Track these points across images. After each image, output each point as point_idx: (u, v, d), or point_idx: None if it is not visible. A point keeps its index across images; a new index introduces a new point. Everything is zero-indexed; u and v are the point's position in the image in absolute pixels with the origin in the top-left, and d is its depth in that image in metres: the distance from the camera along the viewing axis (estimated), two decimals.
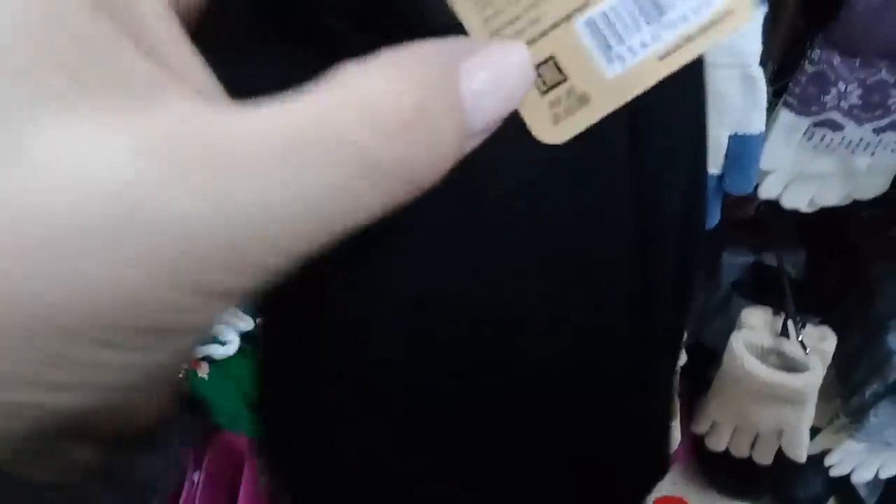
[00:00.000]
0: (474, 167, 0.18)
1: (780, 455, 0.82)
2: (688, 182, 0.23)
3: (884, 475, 0.83)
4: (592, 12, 0.18)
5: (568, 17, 0.18)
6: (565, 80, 0.18)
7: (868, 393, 0.76)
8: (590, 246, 0.22)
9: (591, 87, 0.18)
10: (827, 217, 0.71)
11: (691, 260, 0.25)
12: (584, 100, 0.18)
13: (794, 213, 0.67)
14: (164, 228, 0.12)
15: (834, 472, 0.83)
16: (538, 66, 0.18)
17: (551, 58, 0.18)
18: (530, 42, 0.18)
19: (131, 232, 0.12)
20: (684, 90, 0.21)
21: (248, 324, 0.67)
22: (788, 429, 0.77)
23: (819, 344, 0.74)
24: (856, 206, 0.69)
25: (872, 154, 0.61)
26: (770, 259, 0.84)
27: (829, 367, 0.80)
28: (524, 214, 0.21)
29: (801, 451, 0.79)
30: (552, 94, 0.18)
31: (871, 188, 0.64)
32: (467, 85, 0.16)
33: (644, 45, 0.18)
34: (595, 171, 0.21)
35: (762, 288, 0.83)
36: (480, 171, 0.19)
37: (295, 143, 0.13)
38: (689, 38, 0.18)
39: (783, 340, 0.75)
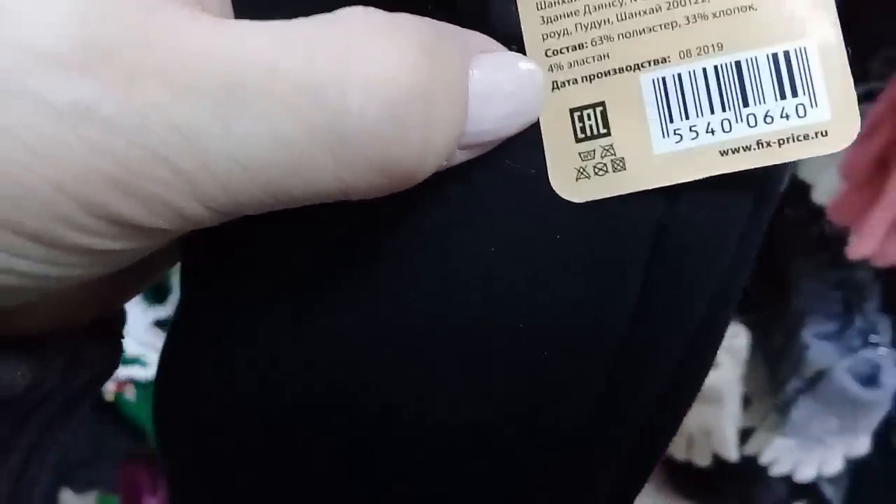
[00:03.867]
0: (458, 209, 0.16)
1: (743, 460, 0.83)
2: (700, 325, 0.18)
3: (826, 472, 0.82)
4: (666, 70, 0.15)
5: (637, 66, 0.15)
6: (608, 134, 0.15)
7: (790, 389, 0.76)
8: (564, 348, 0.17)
9: (633, 154, 0.15)
10: None
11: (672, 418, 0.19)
12: (619, 165, 0.15)
13: None
14: (49, 105, 0.11)
15: (773, 472, 0.83)
16: (583, 108, 0.16)
17: (601, 104, 0.16)
18: (586, 78, 0.16)
19: (7, 94, 0.11)
20: (742, 203, 0.16)
21: None
22: (713, 428, 0.78)
23: (731, 341, 0.75)
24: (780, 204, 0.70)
25: None
26: None
27: (762, 365, 0.81)
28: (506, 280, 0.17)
29: (729, 450, 0.79)
30: (587, 145, 0.16)
31: None
32: (476, 81, 0.14)
33: (710, 130, 0.15)
34: (603, 264, 0.16)
35: None
36: (468, 215, 0.16)
37: (251, 73, 0.11)
38: (763, 144, 0.15)
39: None
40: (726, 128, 0.15)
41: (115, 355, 0.20)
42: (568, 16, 0.16)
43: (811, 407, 0.74)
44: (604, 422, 0.18)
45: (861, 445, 0.79)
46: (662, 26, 0.15)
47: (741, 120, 0.15)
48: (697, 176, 0.15)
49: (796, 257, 0.80)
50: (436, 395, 0.17)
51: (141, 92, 0.11)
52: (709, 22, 0.15)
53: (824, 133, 0.15)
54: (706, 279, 0.17)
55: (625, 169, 0.15)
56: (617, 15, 0.15)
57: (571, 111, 0.16)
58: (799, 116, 0.15)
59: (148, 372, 0.70)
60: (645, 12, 0.15)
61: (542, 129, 0.16)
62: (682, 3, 0.15)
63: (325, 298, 0.17)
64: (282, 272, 0.18)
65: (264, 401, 0.18)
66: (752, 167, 0.15)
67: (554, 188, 0.16)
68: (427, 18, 0.13)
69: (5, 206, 0.11)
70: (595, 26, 0.16)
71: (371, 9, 0.13)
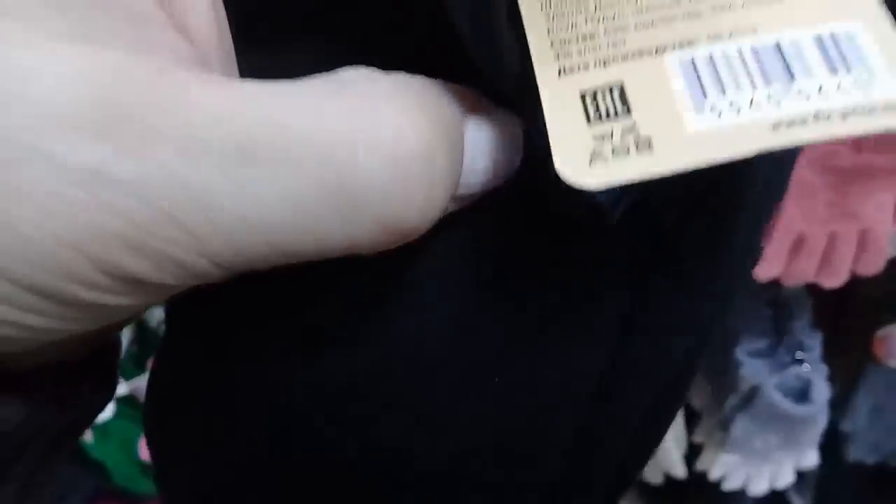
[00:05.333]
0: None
1: (697, 476, 0.84)
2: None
3: (779, 485, 0.83)
4: (695, 51, 0.14)
5: (660, 50, 0.14)
6: (628, 113, 0.14)
7: (728, 406, 0.77)
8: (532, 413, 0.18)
9: (662, 133, 0.14)
10: None
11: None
12: (644, 144, 0.13)
13: None
14: (62, 167, 0.11)
15: (725, 487, 0.84)
16: (597, 89, 0.14)
17: (619, 84, 0.14)
18: (599, 62, 0.14)
19: (22, 156, 0.11)
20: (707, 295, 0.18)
21: (121, 388, 0.75)
22: (659, 448, 0.80)
23: None
24: None
25: None
26: None
27: (706, 383, 0.83)
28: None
29: (676, 468, 0.81)
30: (602, 127, 0.14)
31: None
32: (469, 139, 0.15)
33: (755, 105, 0.13)
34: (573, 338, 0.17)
35: None
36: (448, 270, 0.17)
37: (263, 135, 0.12)
38: (823, 116, 0.13)
39: None
40: (775, 102, 0.13)
41: (110, 386, 0.19)
42: (576, 13, 0.15)
43: (748, 423, 0.76)
44: (576, 472, 0.19)
45: (809, 458, 0.80)
46: (685, 16, 0.14)
47: (791, 94, 0.13)
48: (745, 152, 0.13)
49: None
50: (414, 441, 0.18)
51: (153, 154, 0.11)
52: (736, 11, 0.14)
53: (894, 106, 0.13)
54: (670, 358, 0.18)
55: (652, 149, 0.13)
56: (632, 10, 0.15)
57: (582, 93, 0.14)
58: (859, 90, 0.13)
59: (103, 414, 0.73)
60: (664, 6, 0.14)
61: (545, 115, 0.14)
62: None
63: (307, 342, 0.18)
64: (268, 312, 0.18)
65: (253, 437, 0.19)
66: (815, 140, 0.13)
67: (562, 177, 0.14)
68: (425, 78, 0.14)
69: (16, 263, 0.11)
70: (608, 19, 0.15)
71: (374, 72, 0.13)
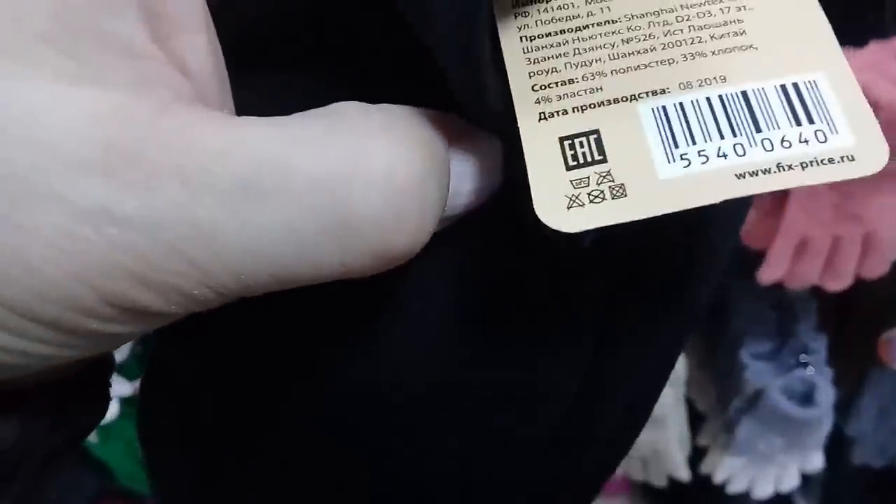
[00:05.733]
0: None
1: (701, 479, 0.84)
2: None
3: (784, 488, 0.83)
4: (666, 100, 0.15)
5: (634, 97, 0.15)
6: (604, 161, 0.14)
7: (733, 409, 0.77)
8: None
9: (635, 181, 0.14)
10: None
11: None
12: (619, 192, 0.14)
13: None
14: (71, 205, 0.11)
15: (730, 490, 0.84)
16: (575, 136, 0.15)
17: (595, 132, 0.15)
18: (577, 109, 0.15)
19: (32, 196, 0.11)
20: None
21: (126, 388, 0.75)
22: (661, 450, 0.79)
23: None
24: None
25: None
26: None
27: (712, 385, 0.82)
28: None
29: (679, 471, 0.80)
30: (580, 172, 0.14)
31: None
32: (454, 164, 0.15)
33: (722, 154, 0.14)
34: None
35: None
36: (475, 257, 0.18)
37: (265, 171, 0.12)
38: (784, 167, 0.14)
39: None
40: (740, 152, 0.14)
41: (103, 403, 0.20)
42: (556, 57, 0.15)
43: (753, 426, 0.75)
44: (560, 471, 0.21)
45: (814, 461, 0.80)
46: (659, 62, 0.15)
47: (755, 144, 0.14)
48: (712, 200, 0.14)
49: (735, 279, 0.81)
50: (412, 445, 0.19)
51: (160, 192, 0.12)
52: (708, 59, 0.15)
53: (851, 157, 0.14)
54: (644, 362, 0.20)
55: (626, 196, 0.14)
56: (609, 55, 0.15)
57: (561, 139, 0.15)
58: (819, 142, 0.14)
59: (106, 415, 0.73)
60: (639, 52, 0.15)
61: (526, 159, 0.15)
62: (678, 43, 0.15)
63: (302, 354, 0.19)
64: (264, 320, 0.19)
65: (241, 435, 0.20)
66: (776, 189, 0.14)
67: (541, 219, 0.14)
68: (412, 109, 0.15)
69: (23, 295, 0.11)
70: (586, 64, 0.15)
71: (367, 106, 0.14)
